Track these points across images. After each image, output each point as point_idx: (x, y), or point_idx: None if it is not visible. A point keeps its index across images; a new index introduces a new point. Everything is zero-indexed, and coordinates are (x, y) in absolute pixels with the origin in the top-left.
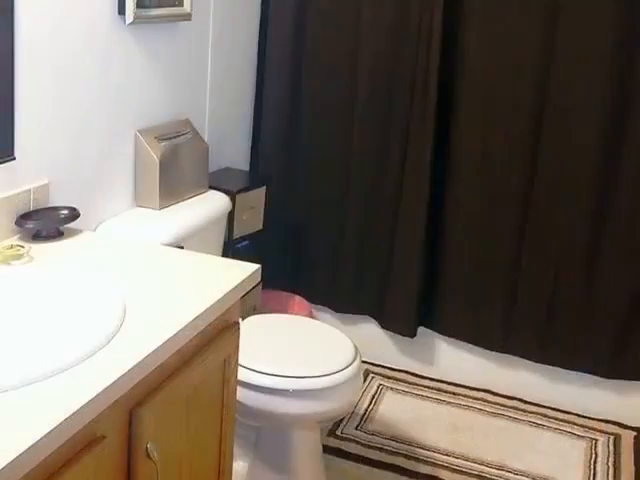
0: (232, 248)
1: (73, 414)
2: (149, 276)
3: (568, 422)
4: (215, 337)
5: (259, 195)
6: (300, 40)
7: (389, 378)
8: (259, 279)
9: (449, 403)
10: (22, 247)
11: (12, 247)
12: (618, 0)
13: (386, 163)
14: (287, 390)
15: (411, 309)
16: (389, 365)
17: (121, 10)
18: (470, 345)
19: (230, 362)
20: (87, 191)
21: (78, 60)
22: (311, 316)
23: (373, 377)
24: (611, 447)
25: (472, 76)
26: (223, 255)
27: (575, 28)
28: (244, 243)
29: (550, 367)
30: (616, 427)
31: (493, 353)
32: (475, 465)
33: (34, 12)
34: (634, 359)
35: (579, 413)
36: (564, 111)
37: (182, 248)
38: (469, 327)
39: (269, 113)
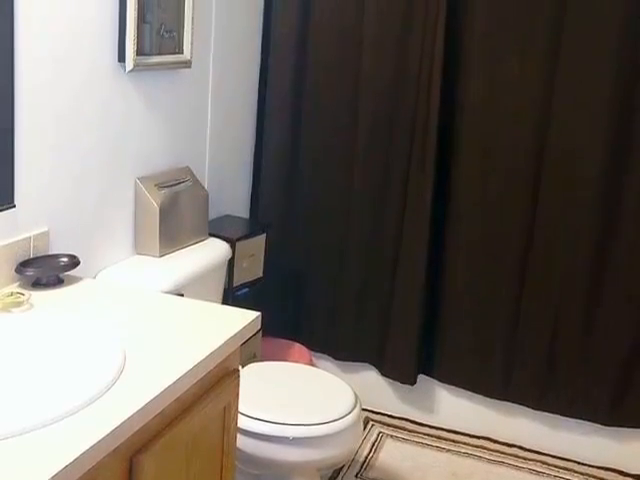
0: (232, 295)
1: (73, 462)
2: (149, 324)
3: (568, 469)
4: (215, 384)
5: (259, 242)
6: (300, 88)
7: (389, 426)
8: (259, 326)
9: (449, 451)
10: (22, 294)
11: (12, 294)
12: (616, 45)
13: (386, 209)
14: (287, 438)
15: (411, 357)
16: (389, 412)
17: (121, 57)
18: (470, 392)
19: (230, 409)
20: (87, 238)
21: (78, 107)
22: (311, 363)
23: (373, 424)
24: None
25: (472, 120)
26: (223, 302)
27: (574, 73)
28: (244, 290)
29: (550, 414)
30: (616, 475)
31: (493, 400)
32: None
33: (34, 58)
34: (634, 407)
35: (579, 460)
36: (564, 155)
37: (182, 295)
38: (469, 374)
39: (269, 160)
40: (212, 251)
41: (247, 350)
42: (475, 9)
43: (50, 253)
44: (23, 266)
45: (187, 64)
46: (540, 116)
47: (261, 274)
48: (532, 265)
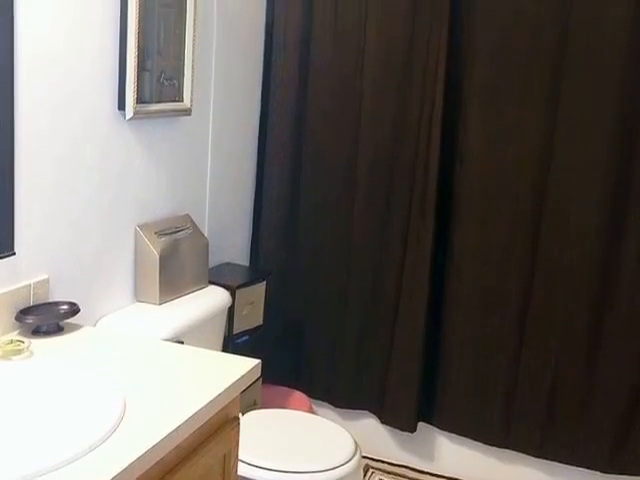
0: (232, 343)
1: None
2: (149, 371)
3: None
4: (215, 432)
5: (259, 290)
6: (300, 135)
7: (389, 473)
8: (259, 374)
9: None
10: (22, 342)
11: (12, 342)
12: (616, 93)
13: (386, 258)
14: None
15: (411, 404)
16: (389, 460)
17: (121, 105)
18: (470, 440)
19: (230, 457)
20: (87, 286)
21: (78, 155)
22: (311, 411)
23: (373, 472)
24: None
25: (471, 169)
26: (223, 350)
27: (574, 122)
28: (244, 338)
29: (550, 462)
30: None
31: (493, 448)
32: None
33: (34, 106)
34: (634, 454)
35: None
36: (564, 204)
37: (182, 343)
38: (469, 422)
39: (269, 208)
40: (212, 299)
41: (247, 397)
42: (475, 58)
43: (50, 300)
44: (23, 314)
45: (187, 112)
46: (540, 165)
47: (261, 321)
48: (532, 315)
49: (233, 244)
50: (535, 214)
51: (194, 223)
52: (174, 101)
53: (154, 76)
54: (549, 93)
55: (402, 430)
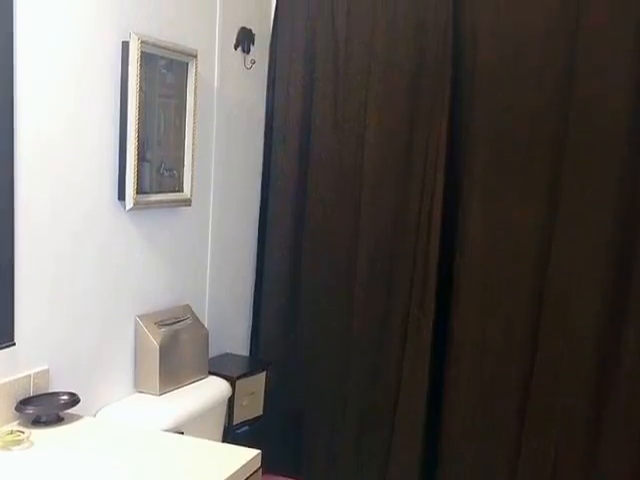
0: (232, 433)
1: None
2: (149, 462)
3: None
4: None
5: (259, 380)
6: (300, 226)
7: None
8: (259, 464)
9: None
10: (22, 433)
11: (12, 433)
12: (616, 189)
13: (386, 348)
14: None
15: None
16: None
17: (121, 196)
18: None
19: None
20: (87, 376)
21: (78, 245)
22: None
23: None
24: None
25: (472, 259)
26: (223, 440)
27: (574, 217)
28: (244, 428)
29: None
30: None
31: None
32: None
33: (34, 199)
34: None
35: None
36: (564, 295)
37: (182, 434)
38: None
39: (269, 298)
40: (212, 389)
41: None
42: (475, 153)
43: (50, 391)
44: (23, 404)
45: (187, 202)
46: (540, 256)
47: (261, 412)
48: (532, 404)
49: (233, 334)
50: (535, 305)
51: (194, 313)
52: (174, 191)
53: (154, 166)
54: (549, 184)
55: None
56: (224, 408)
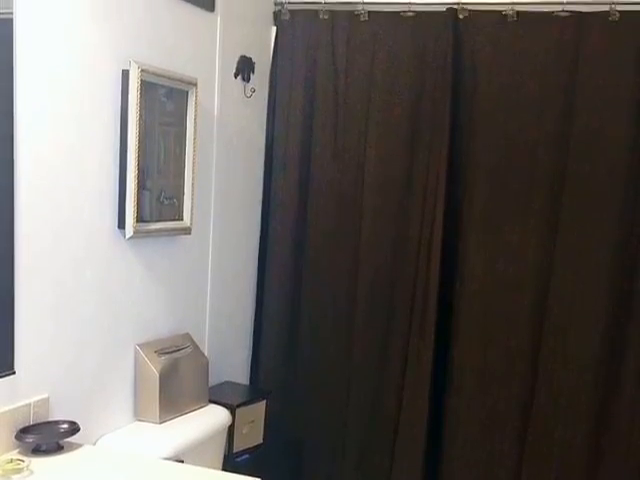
0: (232, 462)
1: None
2: None
3: None
4: None
5: (259, 409)
6: (300, 254)
7: None
8: None
9: None
10: (22, 461)
11: (12, 461)
12: (616, 215)
13: (386, 377)
14: None
15: None
16: None
17: (121, 224)
18: None
19: None
20: (87, 405)
21: (78, 273)
22: None
23: None
24: None
25: (472, 287)
26: (223, 469)
27: (574, 243)
28: (244, 457)
29: None
30: None
31: None
32: None
33: (34, 227)
34: None
35: None
36: (563, 324)
37: (182, 462)
38: None
39: (269, 327)
40: (212, 417)
41: None
42: (475, 181)
43: (50, 419)
44: (23, 432)
45: (187, 231)
46: (539, 285)
47: (261, 440)
48: (532, 433)
49: (233, 363)
50: (535, 334)
51: (194, 342)
52: (174, 220)
53: (154, 195)
54: (549, 213)
55: None
56: (224, 436)
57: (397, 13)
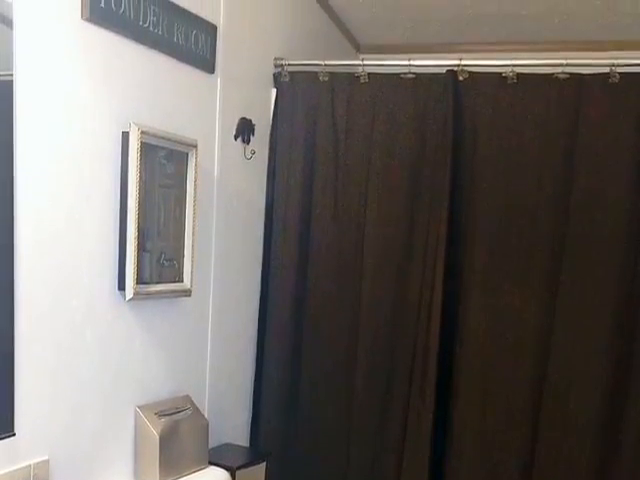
0: None
1: None
2: None
3: None
4: None
5: (259, 471)
6: (300, 316)
7: None
8: None
9: None
10: None
11: None
12: (617, 276)
13: (385, 440)
14: None
15: None
16: None
17: (121, 286)
18: None
19: None
20: (87, 466)
21: (78, 335)
22: None
23: None
24: None
25: (472, 350)
26: None
27: (575, 307)
28: None
29: None
30: None
31: None
32: None
33: (34, 288)
34: None
35: None
36: (563, 388)
37: None
38: None
39: (269, 389)
40: (212, 479)
41: None
42: (475, 240)
43: None
44: None
45: (187, 292)
46: (539, 348)
47: None
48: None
49: (233, 425)
50: (535, 396)
51: (194, 404)
52: (174, 282)
53: (154, 257)
54: (549, 276)
55: None
56: None
57: (397, 75)
